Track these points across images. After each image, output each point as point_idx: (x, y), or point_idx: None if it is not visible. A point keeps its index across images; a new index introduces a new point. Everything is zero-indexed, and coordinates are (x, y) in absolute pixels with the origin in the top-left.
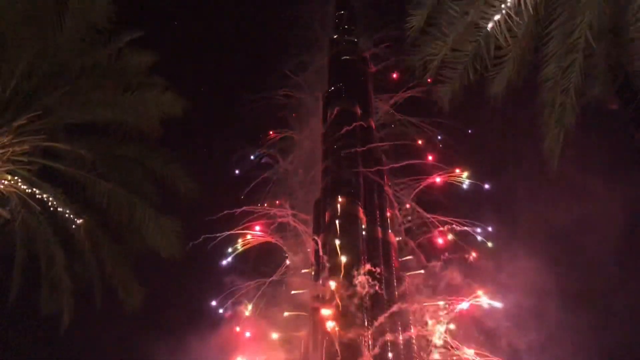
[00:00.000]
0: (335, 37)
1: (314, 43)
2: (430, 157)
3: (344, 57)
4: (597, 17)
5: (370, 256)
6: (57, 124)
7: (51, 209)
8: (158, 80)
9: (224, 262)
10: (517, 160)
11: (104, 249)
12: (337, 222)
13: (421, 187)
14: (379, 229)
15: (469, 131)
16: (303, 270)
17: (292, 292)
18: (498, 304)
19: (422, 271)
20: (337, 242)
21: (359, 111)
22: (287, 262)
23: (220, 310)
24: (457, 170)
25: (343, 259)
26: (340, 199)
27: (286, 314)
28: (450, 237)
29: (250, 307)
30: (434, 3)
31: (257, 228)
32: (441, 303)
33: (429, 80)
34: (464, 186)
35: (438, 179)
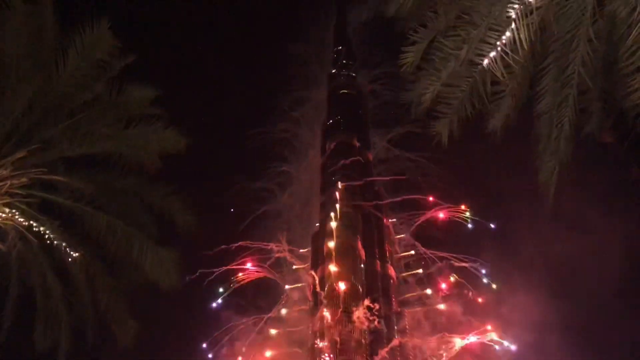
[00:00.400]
0: (333, 71)
1: (313, 78)
2: (429, 194)
3: (343, 91)
4: (591, 54)
5: (370, 290)
6: (56, 157)
7: (48, 242)
8: (160, 113)
9: (215, 304)
10: (515, 195)
11: (100, 281)
12: (335, 254)
13: (420, 221)
14: (378, 263)
15: (463, 166)
16: (280, 311)
17: (290, 328)
18: (510, 344)
19: (442, 306)
20: (335, 275)
21: (357, 144)
22: (284, 298)
23: (215, 349)
24: (462, 207)
25: (341, 292)
26: (338, 231)
27: (269, 354)
28: (451, 277)
29: (244, 349)
30: (429, 40)
31: (249, 265)
32: (458, 340)
33: (426, 116)
34: (466, 223)
35: (441, 215)
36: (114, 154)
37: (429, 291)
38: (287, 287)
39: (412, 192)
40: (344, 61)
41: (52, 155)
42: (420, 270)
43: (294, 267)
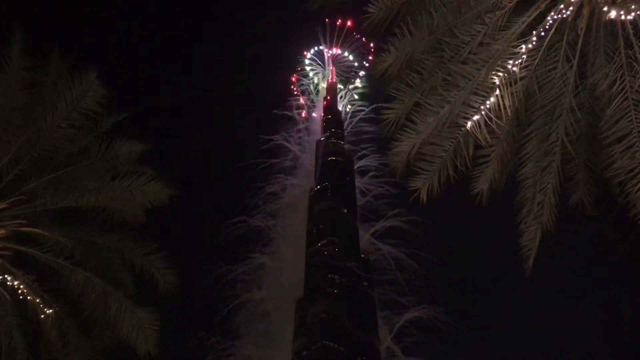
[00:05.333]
0: (322, 139)
1: (299, 167)
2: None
3: (330, 158)
4: (574, 123)
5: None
6: (38, 209)
7: (21, 297)
8: (146, 168)
9: None
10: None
11: (73, 340)
12: (319, 324)
13: (401, 323)
14: (365, 334)
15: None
16: None
17: None
18: None
19: None
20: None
21: (343, 209)
22: None
23: None
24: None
25: None
26: (323, 299)
27: None
28: None
29: None
30: (413, 100)
31: None
32: None
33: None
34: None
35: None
36: (97, 208)
37: None
38: None
39: (392, 286)
40: (332, 130)
41: (34, 207)
42: None
43: None
